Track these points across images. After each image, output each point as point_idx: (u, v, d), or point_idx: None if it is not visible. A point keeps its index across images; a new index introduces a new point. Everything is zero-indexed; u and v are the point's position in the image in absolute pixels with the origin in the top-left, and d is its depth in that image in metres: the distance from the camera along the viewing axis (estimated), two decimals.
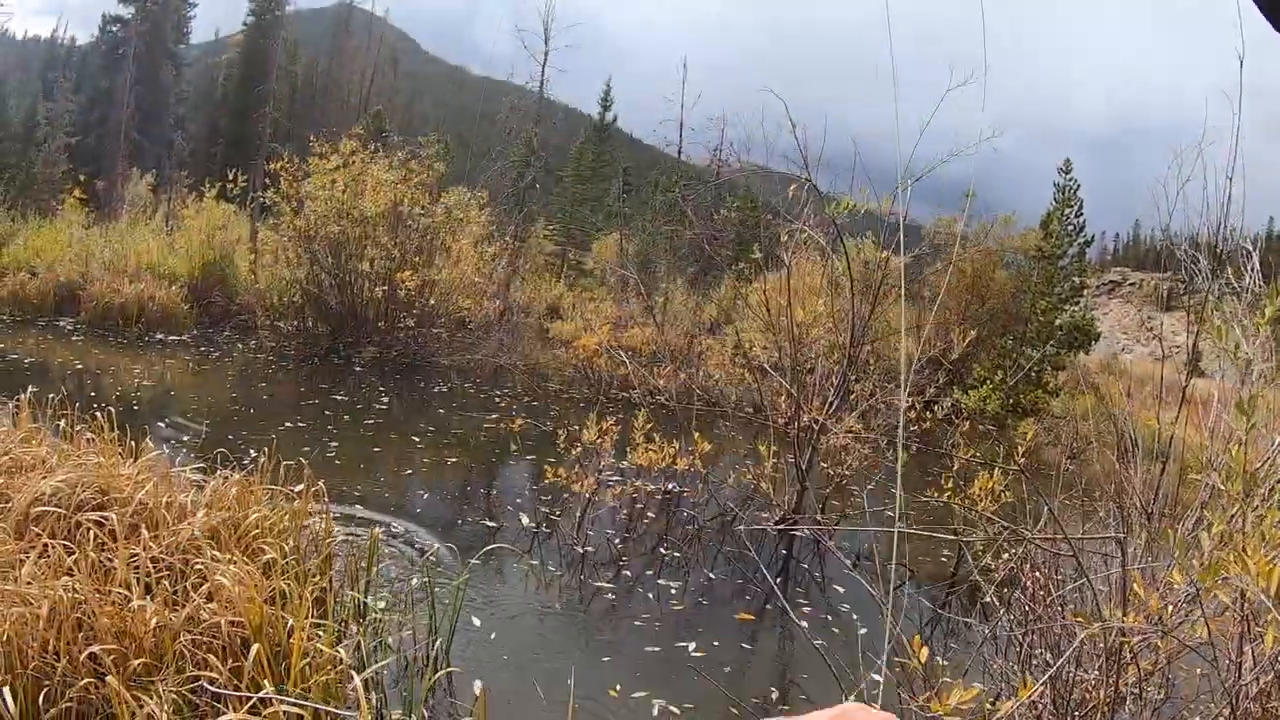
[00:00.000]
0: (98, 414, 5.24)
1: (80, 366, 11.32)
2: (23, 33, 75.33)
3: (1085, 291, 20.24)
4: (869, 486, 7.90)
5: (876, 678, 4.75)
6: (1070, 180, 20.18)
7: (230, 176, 17.37)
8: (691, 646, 5.23)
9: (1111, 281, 45.83)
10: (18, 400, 5.46)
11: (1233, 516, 2.07)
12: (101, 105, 38.37)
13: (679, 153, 28.31)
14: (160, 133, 39.22)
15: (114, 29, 40.91)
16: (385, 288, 14.82)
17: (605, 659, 4.93)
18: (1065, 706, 2.78)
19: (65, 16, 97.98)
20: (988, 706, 2.77)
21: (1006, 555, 4.23)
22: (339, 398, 11.52)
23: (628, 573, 6.50)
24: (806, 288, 11.69)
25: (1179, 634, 2.38)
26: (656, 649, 5.19)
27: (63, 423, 5.34)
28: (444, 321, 16.06)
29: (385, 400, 11.90)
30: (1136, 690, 2.51)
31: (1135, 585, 2.29)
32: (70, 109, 37.03)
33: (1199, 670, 2.71)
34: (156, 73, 39.89)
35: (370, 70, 55.30)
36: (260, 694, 3.13)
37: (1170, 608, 2.39)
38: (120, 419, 5.36)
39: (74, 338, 13.42)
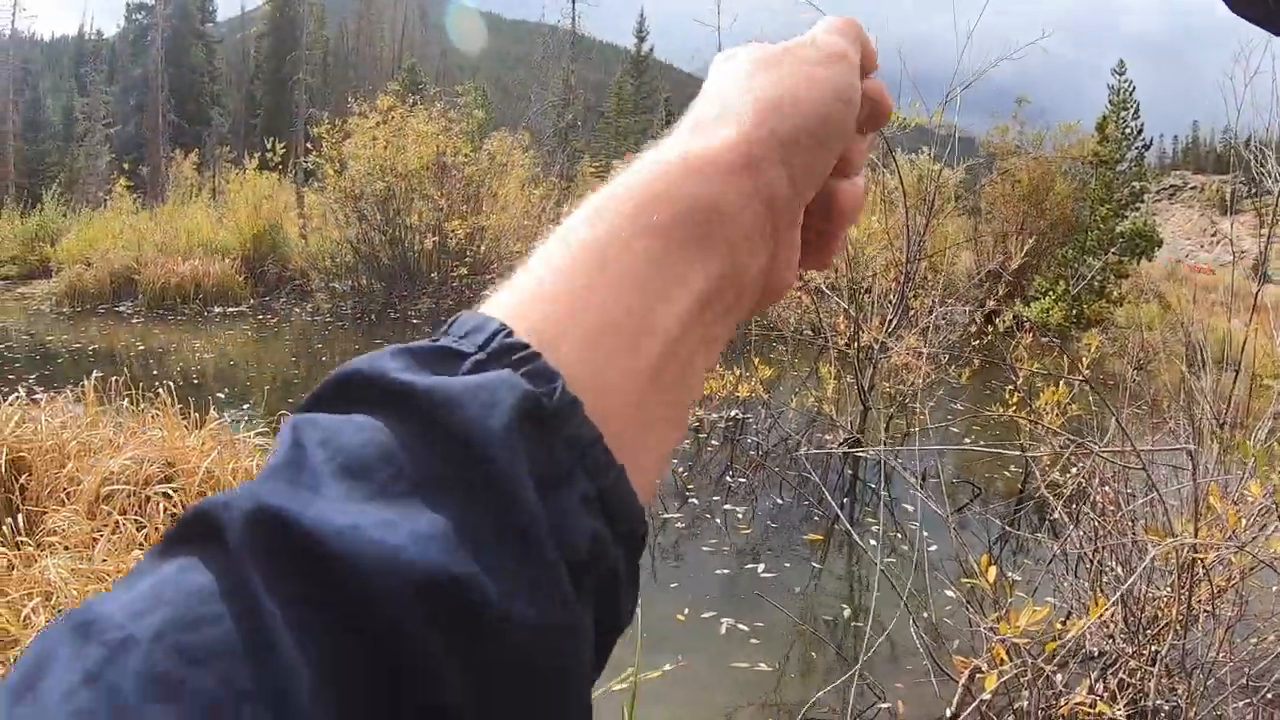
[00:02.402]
0: (160, 391, 5.38)
1: (142, 348, 11.63)
2: (49, 34, 76.11)
3: (1146, 197, 19.48)
4: (930, 404, 7.84)
5: (950, 594, 4.79)
6: (1125, 82, 19.33)
7: (270, 146, 17.52)
8: (760, 568, 5.30)
9: (1172, 186, 43.98)
10: (83, 386, 5.61)
11: None
12: (136, 93, 38.71)
13: None
14: (198, 112, 39.56)
15: (139, 16, 41.13)
16: (435, 239, 14.88)
17: (674, 585, 5.04)
18: (1137, 624, 2.77)
19: (90, 10, 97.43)
20: (1058, 626, 2.77)
21: (1074, 470, 4.17)
22: None
23: (694, 501, 6.58)
24: None
25: (1253, 548, 2.34)
26: (725, 572, 5.28)
27: (127, 402, 5.45)
28: (496, 267, 16.14)
29: None
30: (1209, 608, 2.49)
31: (1212, 498, 2.26)
32: (106, 100, 37.59)
33: (1275, 587, 2.67)
34: (187, 53, 40.17)
35: (400, 25, 54.76)
36: None
37: (1244, 521, 2.34)
38: (183, 393, 5.50)
39: (134, 321, 13.76)
